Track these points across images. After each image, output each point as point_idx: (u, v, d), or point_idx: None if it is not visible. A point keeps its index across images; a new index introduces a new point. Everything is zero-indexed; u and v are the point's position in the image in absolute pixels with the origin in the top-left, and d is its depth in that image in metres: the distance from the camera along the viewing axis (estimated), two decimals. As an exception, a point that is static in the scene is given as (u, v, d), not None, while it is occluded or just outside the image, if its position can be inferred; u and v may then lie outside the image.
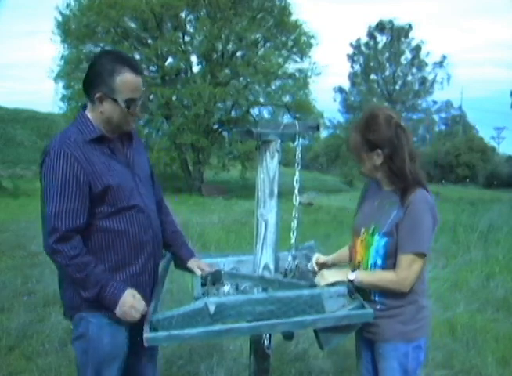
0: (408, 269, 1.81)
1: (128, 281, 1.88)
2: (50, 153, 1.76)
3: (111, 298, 1.78)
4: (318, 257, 2.15)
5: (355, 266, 2.02)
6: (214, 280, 2.07)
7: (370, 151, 1.87)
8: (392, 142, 1.84)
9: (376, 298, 1.90)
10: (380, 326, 1.85)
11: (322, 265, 2.15)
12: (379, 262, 1.90)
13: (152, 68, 22.48)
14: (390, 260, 1.88)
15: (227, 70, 22.24)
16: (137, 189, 1.92)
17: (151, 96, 21.26)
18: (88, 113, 1.88)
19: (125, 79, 1.80)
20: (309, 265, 2.10)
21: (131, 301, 1.79)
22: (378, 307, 1.87)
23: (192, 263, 2.14)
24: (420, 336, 1.93)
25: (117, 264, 1.88)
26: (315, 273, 2.08)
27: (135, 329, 1.86)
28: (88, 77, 1.85)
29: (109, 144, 1.89)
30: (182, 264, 2.18)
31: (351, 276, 1.86)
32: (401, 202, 1.85)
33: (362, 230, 1.96)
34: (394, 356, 1.91)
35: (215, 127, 22.76)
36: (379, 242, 1.88)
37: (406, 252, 1.81)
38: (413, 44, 37.07)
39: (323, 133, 34.54)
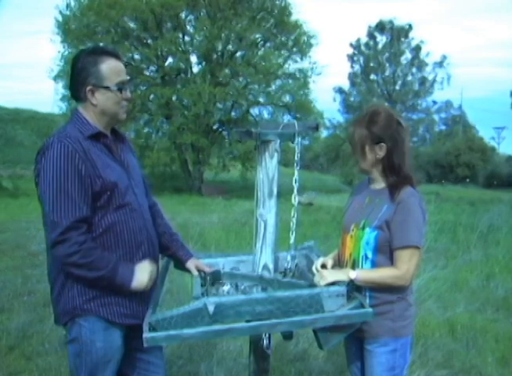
0: (408, 262, 1.87)
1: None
2: (49, 149, 1.74)
3: (125, 274, 1.80)
4: (325, 261, 2.09)
5: (343, 263, 2.04)
6: (213, 280, 2.07)
7: (374, 144, 1.93)
8: (394, 137, 1.93)
9: (367, 293, 1.92)
10: (369, 323, 1.86)
11: (324, 266, 2.14)
12: (369, 254, 1.93)
13: (152, 68, 22.51)
14: (380, 254, 1.91)
15: (227, 70, 22.25)
16: (131, 189, 1.92)
17: (151, 96, 21.28)
18: (83, 113, 1.89)
19: (110, 65, 1.84)
20: (314, 266, 2.07)
21: (146, 280, 1.83)
22: (368, 302, 1.88)
23: (190, 263, 2.13)
24: (408, 333, 1.97)
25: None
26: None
27: (136, 327, 1.86)
28: (74, 77, 1.87)
29: (104, 142, 1.90)
30: (181, 265, 2.18)
31: (353, 274, 1.87)
32: (390, 198, 1.92)
33: (352, 226, 2.01)
34: (383, 352, 1.94)
35: (215, 127, 22.77)
36: (369, 235, 1.92)
37: (404, 247, 1.86)
38: (413, 44, 37.04)
39: (323, 133, 34.51)
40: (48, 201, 1.73)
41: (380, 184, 2.02)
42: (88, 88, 1.83)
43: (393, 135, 1.93)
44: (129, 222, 1.88)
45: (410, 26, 36.79)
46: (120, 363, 1.94)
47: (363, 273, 1.89)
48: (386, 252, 1.91)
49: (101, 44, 19.89)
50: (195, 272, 2.09)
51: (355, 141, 1.96)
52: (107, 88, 1.83)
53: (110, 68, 1.84)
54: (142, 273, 1.83)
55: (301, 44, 22.75)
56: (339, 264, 2.09)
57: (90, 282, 1.81)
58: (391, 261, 1.91)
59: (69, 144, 1.74)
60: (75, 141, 1.77)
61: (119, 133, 2.03)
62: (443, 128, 46.72)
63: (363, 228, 1.95)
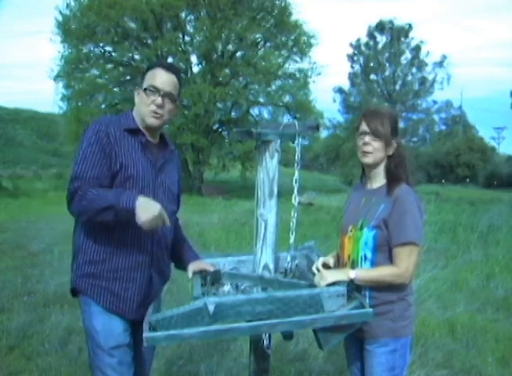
0: (407, 259, 1.87)
1: (119, 272, 1.92)
2: (88, 128, 1.94)
3: (127, 202, 1.74)
4: (326, 261, 2.09)
5: (342, 265, 2.04)
6: (213, 280, 2.07)
7: (392, 139, 2.00)
8: (398, 138, 2.02)
9: (367, 293, 1.92)
10: (369, 323, 1.86)
11: (326, 265, 2.14)
12: (368, 254, 1.94)
13: (152, 68, 22.48)
14: (379, 254, 1.92)
15: (227, 70, 22.27)
16: (153, 188, 1.98)
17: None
18: (133, 111, 2.06)
19: (153, 72, 2.00)
20: (314, 266, 2.07)
21: (151, 209, 1.75)
22: (368, 302, 1.88)
23: (190, 266, 2.13)
24: (408, 333, 1.98)
25: (113, 252, 1.91)
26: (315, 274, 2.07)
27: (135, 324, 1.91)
28: None
29: (141, 139, 2.00)
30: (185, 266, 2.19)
31: (352, 274, 1.87)
32: (387, 192, 1.95)
33: (350, 228, 2.02)
34: (383, 352, 1.94)
35: (215, 127, 22.79)
36: (368, 234, 1.93)
37: (402, 244, 1.87)
38: (413, 44, 37.06)
39: (323, 133, 34.53)
40: (73, 165, 1.89)
41: (376, 183, 2.04)
42: (136, 89, 2.05)
43: (398, 137, 2.01)
44: None
45: (410, 26, 36.82)
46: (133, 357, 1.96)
47: (363, 272, 1.89)
48: (385, 251, 1.92)
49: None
50: (189, 274, 2.09)
51: (385, 131, 1.96)
52: (141, 88, 2.00)
53: (151, 73, 1.99)
54: (146, 206, 1.75)
55: (300, 44, 22.76)
56: (338, 266, 2.09)
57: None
58: (391, 260, 1.91)
59: (103, 126, 1.92)
60: (110, 126, 1.93)
61: (167, 143, 2.15)
62: (443, 128, 46.74)
63: (361, 228, 1.96)
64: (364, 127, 2.00)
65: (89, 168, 1.85)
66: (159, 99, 1.95)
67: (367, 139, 1.98)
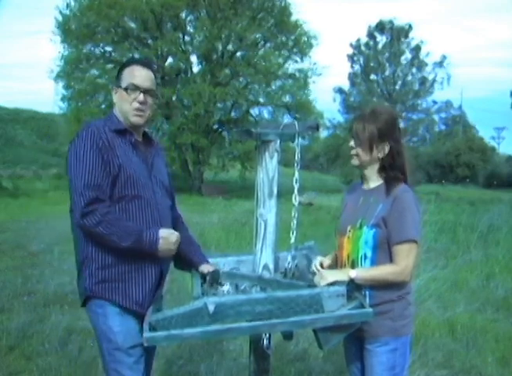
0: (406, 257, 1.88)
1: (126, 273, 1.92)
2: (79, 134, 1.92)
3: (150, 239, 1.86)
4: (322, 261, 2.11)
5: (341, 266, 2.04)
6: (212, 279, 2.07)
7: (381, 142, 1.96)
8: (396, 138, 1.98)
9: (367, 292, 1.92)
10: (369, 323, 1.86)
11: (320, 265, 2.14)
12: (368, 253, 1.94)
13: (152, 68, 22.48)
14: (379, 252, 1.92)
15: (227, 70, 22.26)
16: (151, 186, 2.00)
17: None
18: (114, 112, 2.07)
19: (130, 69, 2.01)
20: (313, 265, 2.08)
21: (171, 238, 1.91)
22: (368, 301, 1.88)
23: (203, 268, 2.15)
24: (408, 332, 1.98)
25: (123, 254, 1.90)
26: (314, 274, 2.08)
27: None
28: None
29: (130, 138, 2.01)
30: (194, 269, 2.18)
31: (352, 273, 1.87)
32: (386, 193, 1.95)
33: (348, 228, 2.02)
34: (384, 351, 1.94)
35: (215, 127, 22.78)
36: (367, 233, 1.93)
37: (401, 242, 1.88)
38: (413, 44, 37.07)
39: (323, 133, 34.52)
40: (75, 177, 1.86)
41: (373, 183, 2.04)
42: (113, 88, 2.06)
43: (396, 137, 1.98)
44: (143, 214, 1.95)
45: (410, 26, 36.82)
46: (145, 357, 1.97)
47: (363, 272, 1.90)
48: (385, 250, 1.92)
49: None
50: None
51: (365, 136, 1.96)
52: (120, 86, 2.00)
53: (129, 71, 2.00)
54: (166, 239, 1.91)
55: (301, 44, 22.75)
56: (336, 267, 2.09)
57: (107, 261, 1.90)
58: (391, 259, 1.91)
59: (95, 130, 1.92)
60: (101, 130, 1.94)
61: (152, 140, 2.15)
62: (443, 128, 46.70)
63: (360, 227, 1.96)
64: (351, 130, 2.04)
65: (96, 181, 1.84)
66: (141, 96, 1.97)
67: (351, 143, 2.03)
